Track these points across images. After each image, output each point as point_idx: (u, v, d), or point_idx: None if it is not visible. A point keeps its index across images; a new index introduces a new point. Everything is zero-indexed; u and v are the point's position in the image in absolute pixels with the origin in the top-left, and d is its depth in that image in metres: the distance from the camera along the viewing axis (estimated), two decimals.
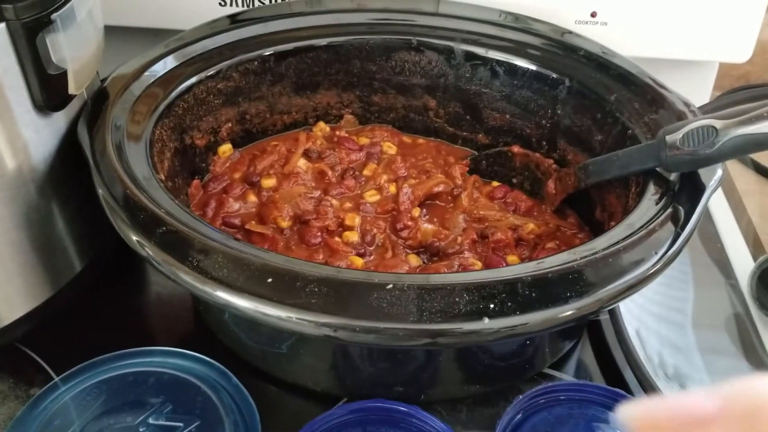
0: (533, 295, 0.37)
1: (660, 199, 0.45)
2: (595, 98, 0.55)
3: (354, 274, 0.39)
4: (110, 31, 0.52)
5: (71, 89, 0.45)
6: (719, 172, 0.46)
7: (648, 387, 0.48)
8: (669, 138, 0.45)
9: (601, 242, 0.42)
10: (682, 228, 0.42)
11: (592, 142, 0.56)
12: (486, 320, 0.36)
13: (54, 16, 0.42)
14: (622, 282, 0.39)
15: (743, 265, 0.59)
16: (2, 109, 0.42)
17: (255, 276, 0.38)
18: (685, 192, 0.45)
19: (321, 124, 0.63)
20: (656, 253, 0.40)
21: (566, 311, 0.37)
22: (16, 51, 0.41)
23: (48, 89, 0.44)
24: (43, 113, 0.45)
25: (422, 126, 0.64)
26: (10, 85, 0.42)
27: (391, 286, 0.37)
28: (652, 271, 0.40)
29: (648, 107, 0.53)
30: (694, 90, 0.71)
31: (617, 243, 0.41)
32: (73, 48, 0.44)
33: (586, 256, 0.40)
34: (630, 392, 0.49)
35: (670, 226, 0.42)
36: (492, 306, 0.36)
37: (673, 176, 0.47)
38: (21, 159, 0.44)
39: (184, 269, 0.38)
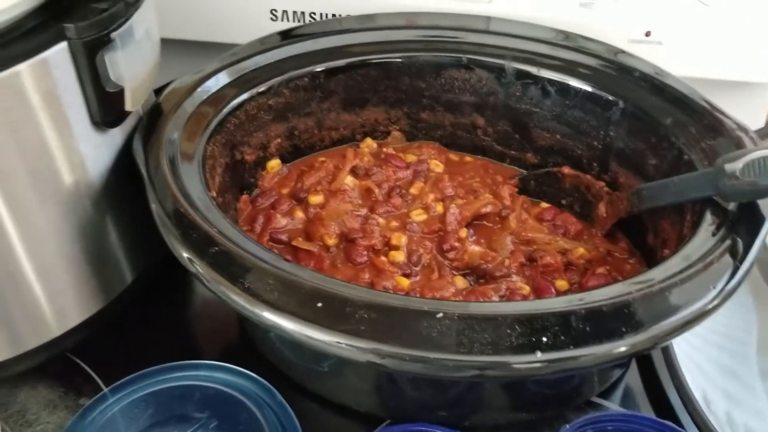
0: (587, 329, 0.37)
1: (717, 229, 0.44)
2: (650, 121, 0.54)
3: (403, 300, 0.39)
4: (163, 43, 0.52)
5: (128, 106, 0.46)
6: None
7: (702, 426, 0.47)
8: (728, 167, 0.44)
9: (656, 274, 0.41)
10: (741, 261, 0.41)
11: (646, 165, 0.55)
12: (538, 354, 0.35)
13: (114, 35, 0.42)
14: (679, 318, 0.38)
15: None
16: (61, 125, 0.43)
17: (305, 300, 0.38)
18: (744, 223, 0.44)
19: (368, 140, 0.63)
20: (714, 287, 0.39)
21: (620, 347, 0.36)
22: (76, 69, 0.42)
23: (105, 106, 0.45)
24: (99, 129, 0.46)
25: (470, 144, 0.64)
26: (69, 102, 0.43)
27: (441, 314, 0.37)
28: (710, 306, 0.39)
29: (705, 132, 0.51)
30: (748, 112, 0.68)
31: (673, 276, 0.40)
32: (131, 66, 0.45)
33: (641, 289, 0.39)
34: (680, 425, 0.48)
35: (728, 259, 0.41)
36: (544, 339, 0.36)
37: (731, 206, 0.46)
38: (78, 174, 0.45)
39: (236, 290, 0.38)
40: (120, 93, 0.45)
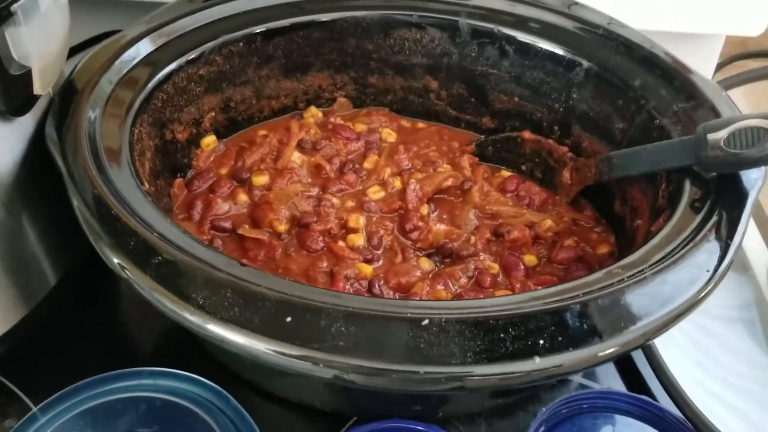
0: (584, 326, 0.34)
1: (701, 203, 0.41)
2: (617, 83, 0.51)
3: (382, 305, 0.34)
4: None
5: (37, 89, 0.39)
6: (762, 171, 0.42)
7: (677, 397, 0.46)
8: (711, 137, 0.41)
9: (641, 257, 0.38)
10: (731, 239, 0.39)
11: (612, 130, 0.52)
12: (537, 360, 0.32)
13: (14, 7, 0.35)
14: (678, 305, 0.35)
15: (760, 258, 0.57)
16: None
17: (271, 315, 0.33)
18: (727, 196, 0.42)
19: (312, 108, 0.58)
20: (708, 270, 0.37)
21: (627, 338, 0.33)
22: None
23: (10, 92, 0.37)
24: (5, 119, 0.39)
25: (422, 109, 0.59)
26: None
27: (427, 321, 0.33)
28: (707, 290, 0.36)
29: (676, 95, 0.49)
30: (700, 62, 0.67)
31: (665, 258, 0.37)
32: (38, 42, 0.37)
33: (634, 275, 0.36)
34: (653, 398, 0.47)
35: (719, 237, 0.39)
36: (541, 342, 0.33)
37: (710, 175, 0.43)
38: None
39: (189, 309, 0.33)
40: (26, 75, 0.38)
